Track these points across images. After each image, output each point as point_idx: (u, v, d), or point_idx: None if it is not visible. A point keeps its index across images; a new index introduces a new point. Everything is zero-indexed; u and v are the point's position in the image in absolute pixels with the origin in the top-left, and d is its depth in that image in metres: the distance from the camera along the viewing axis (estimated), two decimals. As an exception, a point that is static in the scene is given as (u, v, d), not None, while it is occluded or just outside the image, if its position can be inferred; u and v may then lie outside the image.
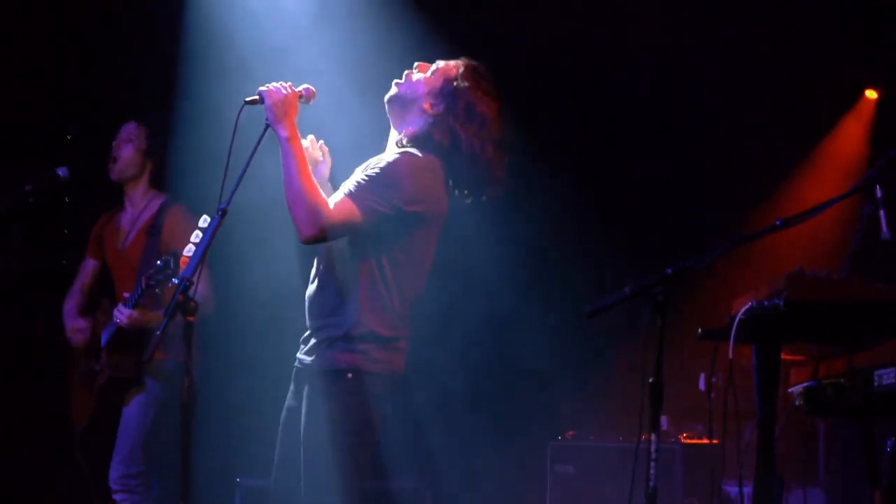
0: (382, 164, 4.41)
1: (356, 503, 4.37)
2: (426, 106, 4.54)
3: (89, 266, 6.62)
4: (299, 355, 4.57)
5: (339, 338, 4.42)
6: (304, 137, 4.67)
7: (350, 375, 4.38)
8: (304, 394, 4.47)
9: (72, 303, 6.58)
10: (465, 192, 4.62)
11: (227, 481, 7.43)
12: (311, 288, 4.57)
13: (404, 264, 4.46)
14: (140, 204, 6.43)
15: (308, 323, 4.57)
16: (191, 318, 4.20)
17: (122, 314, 5.99)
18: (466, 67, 4.60)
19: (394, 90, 4.63)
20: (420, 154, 4.46)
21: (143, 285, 5.71)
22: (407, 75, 4.65)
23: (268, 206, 5.74)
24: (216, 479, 7.46)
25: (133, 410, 6.18)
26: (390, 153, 4.49)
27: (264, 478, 7.35)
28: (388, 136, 4.71)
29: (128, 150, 6.41)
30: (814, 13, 7.94)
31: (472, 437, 8.24)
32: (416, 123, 4.55)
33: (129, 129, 6.43)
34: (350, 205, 4.34)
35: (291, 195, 4.35)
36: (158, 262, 5.57)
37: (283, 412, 4.60)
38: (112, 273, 6.46)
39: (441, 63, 4.64)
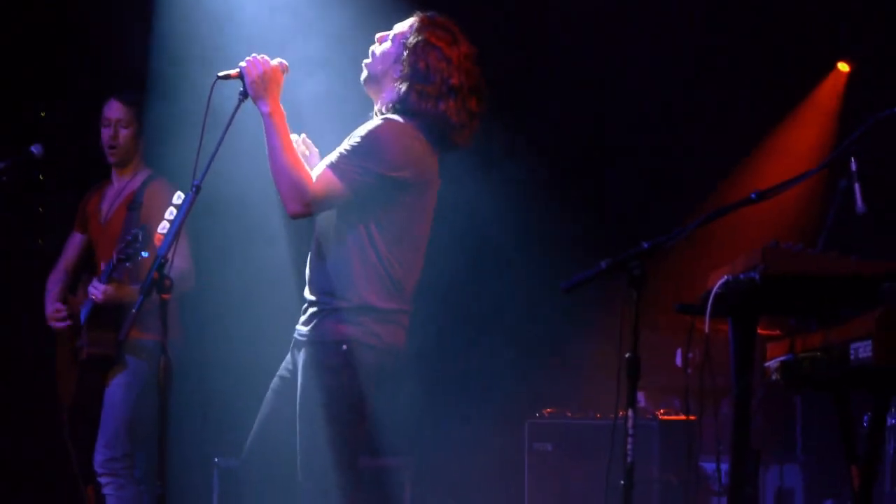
0: (363, 133, 4.41)
1: (348, 476, 4.37)
2: (395, 74, 4.53)
3: (76, 240, 6.60)
4: (297, 326, 4.56)
5: (335, 309, 4.42)
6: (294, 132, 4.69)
7: (345, 347, 4.38)
8: (300, 364, 4.47)
9: (54, 283, 6.54)
10: (448, 149, 4.61)
11: (206, 462, 7.41)
12: (309, 260, 4.57)
13: (395, 234, 4.45)
14: (126, 177, 6.42)
15: (306, 294, 4.56)
16: (166, 296, 4.20)
17: (96, 290, 5.96)
18: (417, 22, 4.56)
19: (365, 71, 4.62)
20: (401, 119, 4.46)
21: (115, 259, 5.69)
22: (372, 52, 4.63)
23: (250, 182, 5.73)
24: (195, 460, 7.44)
25: (115, 391, 6.16)
26: (371, 122, 4.48)
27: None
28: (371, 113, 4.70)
29: (127, 135, 6.39)
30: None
31: (449, 417, 8.23)
32: (392, 93, 4.53)
33: (120, 112, 6.38)
34: (332, 177, 4.34)
35: (275, 171, 4.37)
36: (128, 235, 5.56)
37: (275, 379, 4.60)
38: (94, 247, 6.45)
39: (396, 27, 4.62)
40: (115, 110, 6.39)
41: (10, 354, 7.46)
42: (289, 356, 4.59)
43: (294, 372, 4.51)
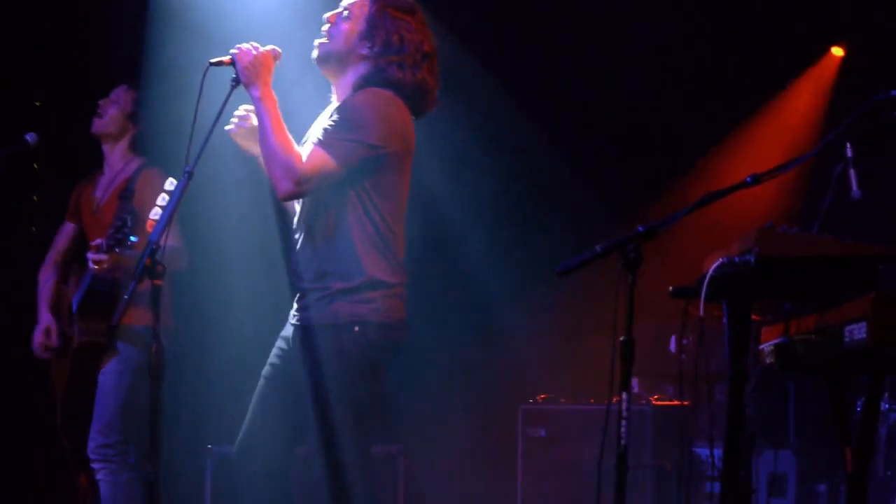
0: (347, 107, 4.39)
1: (363, 456, 4.35)
2: (363, 51, 4.50)
3: (67, 230, 6.58)
4: (293, 313, 4.51)
5: (342, 290, 4.37)
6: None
7: (357, 328, 4.34)
8: (304, 352, 4.40)
9: (46, 278, 6.48)
10: (421, 114, 4.62)
11: (199, 448, 7.41)
12: (298, 246, 4.51)
13: (388, 203, 4.43)
14: (117, 166, 6.42)
15: (298, 281, 4.50)
16: (158, 282, 4.18)
17: (97, 257, 5.82)
18: (391, 12, 4.53)
19: (323, 49, 4.54)
20: (382, 91, 4.44)
21: (104, 245, 5.65)
22: (328, 32, 4.55)
23: (243, 167, 5.71)
24: (188, 446, 7.44)
25: (108, 378, 6.14)
26: (353, 97, 4.45)
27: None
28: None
29: (113, 110, 6.40)
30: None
31: (443, 403, 8.24)
32: (361, 69, 4.51)
33: (118, 92, 6.43)
34: (322, 153, 4.31)
35: (266, 152, 4.35)
36: (118, 220, 5.54)
37: (266, 367, 4.55)
38: (87, 236, 6.42)
39: (347, 4, 4.57)
40: (115, 90, 6.44)
41: (2, 344, 7.45)
42: (281, 344, 4.54)
43: (287, 360, 4.47)
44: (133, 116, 6.43)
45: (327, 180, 4.34)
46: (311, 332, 4.42)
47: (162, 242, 4.17)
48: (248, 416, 4.53)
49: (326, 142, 4.33)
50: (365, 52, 4.49)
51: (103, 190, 6.41)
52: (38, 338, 6.37)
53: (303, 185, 4.31)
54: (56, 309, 6.42)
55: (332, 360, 4.34)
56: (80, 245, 6.50)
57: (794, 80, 8.80)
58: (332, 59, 4.55)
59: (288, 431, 4.44)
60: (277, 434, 4.45)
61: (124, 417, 6.10)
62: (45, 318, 6.39)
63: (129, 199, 6.18)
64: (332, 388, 4.32)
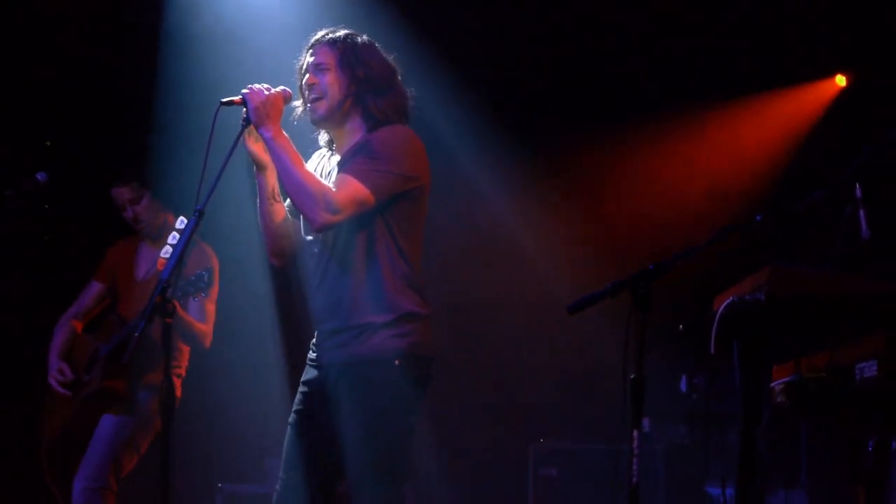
0: (374, 142, 4.38)
1: (399, 490, 4.31)
2: (354, 90, 4.48)
3: (94, 290, 6.56)
4: (318, 353, 4.47)
5: (380, 325, 4.34)
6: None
7: (398, 362, 4.31)
8: (339, 392, 4.36)
9: (61, 331, 6.45)
10: None
11: (209, 486, 7.40)
12: (323, 286, 4.46)
13: (413, 236, 4.43)
14: (161, 239, 6.39)
15: (326, 321, 4.45)
16: (169, 320, 4.16)
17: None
18: (340, 42, 4.53)
19: (324, 107, 4.49)
20: (402, 126, 4.46)
21: (178, 293, 5.59)
22: (318, 91, 4.50)
23: (238, 211, 5.71)
24: (197, 484, 7.43)
25: (109, 425, 6.09)
26: (377, 134, 4.43)
27: (245, 483, 7.36)
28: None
29: (143, 207, 6.39)
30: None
31: (453, 442, 8.22)
32: (359, 108, 4.51)
33: (126, 193, 6.38)
34: (355, 182, 4.28)
35: (293, 187, 4.31)
36: (193, 276, 5.52)
37: (293, 415, 4.50)
38: (122, 298, 6.42)
39: (313, 58, 4.54)
40: (120, 194, 6.41)
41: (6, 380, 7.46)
42: (304, 389, 4.50)
43: (313, 403, 4.43)
44: (151, 194, 6.40)
45: (360, 209, 4.30)
46: (345, 368, 4.38)
47: (172, 280, 4.15)
48: (283, 465, 4.48)
49: (358, 172, 4.30)
50: (355, 90, 4.47)
51: (149, 261, 6.40)
52: (54, 377, 6.31)
53: (340, 213, 4.26)
54: (67, 357, 6.38)
55: (375, 395, 4.30)
56: (105, 305, 6.49)
57: (789, 87, 8.79)
58: (335, 111, 4.51)
59: (324, 475, 4.40)
60: (314, 478, 4.41)
61: (115, 466, 6.06)
62: (55, 363, 6.34)
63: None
64: (373, 424, 4.29)
